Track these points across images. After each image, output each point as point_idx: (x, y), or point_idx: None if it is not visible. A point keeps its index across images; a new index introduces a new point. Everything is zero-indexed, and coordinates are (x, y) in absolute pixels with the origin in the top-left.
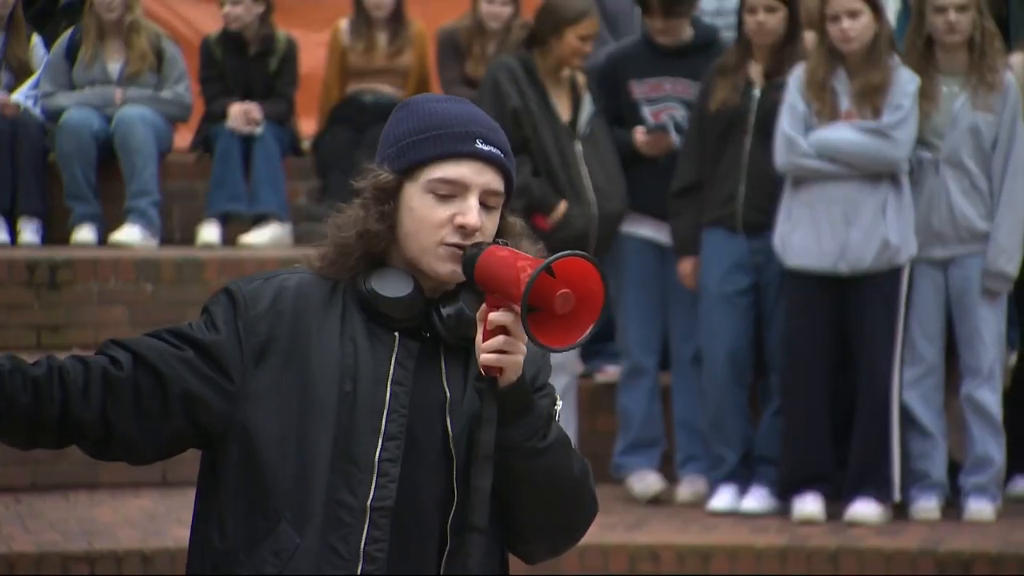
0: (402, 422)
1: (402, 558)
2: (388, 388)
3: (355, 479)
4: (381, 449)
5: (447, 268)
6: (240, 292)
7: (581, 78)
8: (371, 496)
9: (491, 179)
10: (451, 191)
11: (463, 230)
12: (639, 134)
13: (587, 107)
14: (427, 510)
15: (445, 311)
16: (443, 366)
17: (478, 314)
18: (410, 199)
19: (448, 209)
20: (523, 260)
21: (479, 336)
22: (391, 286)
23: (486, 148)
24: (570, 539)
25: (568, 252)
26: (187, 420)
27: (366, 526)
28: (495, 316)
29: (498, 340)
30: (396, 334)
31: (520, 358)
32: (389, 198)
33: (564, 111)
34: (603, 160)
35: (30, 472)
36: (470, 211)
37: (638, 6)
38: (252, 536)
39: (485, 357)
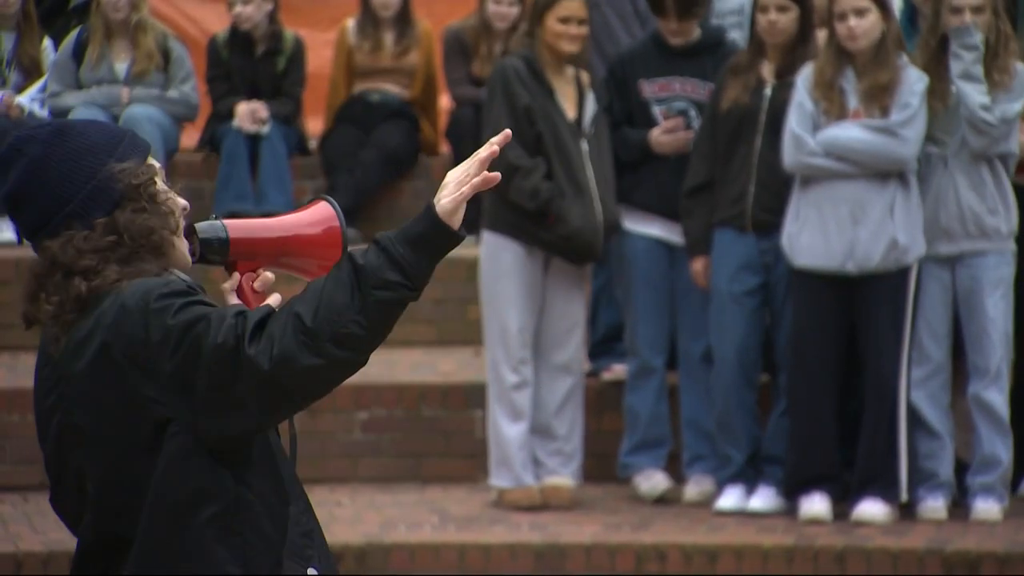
0: None
1: None
2: None
3: (285, 459)
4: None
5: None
6: (194, 284)
7: (586, 76)
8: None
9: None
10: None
11: (185, 212)
12: (657, 130)
13: (591, 105)
14: None
15: None
16: None
17: (229, 286)
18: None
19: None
20: (280, 224)
21: (235, 303)
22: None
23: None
24: None
25: (324, 197)
26: None
27: (306, 501)
28: (271, 275)
29: (277, 295)
30: None
31: None
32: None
33: (570, 109)
34: (604, 162)
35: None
36: (180, 195)
37: (650, 8)
38: (281, 522)
39: None
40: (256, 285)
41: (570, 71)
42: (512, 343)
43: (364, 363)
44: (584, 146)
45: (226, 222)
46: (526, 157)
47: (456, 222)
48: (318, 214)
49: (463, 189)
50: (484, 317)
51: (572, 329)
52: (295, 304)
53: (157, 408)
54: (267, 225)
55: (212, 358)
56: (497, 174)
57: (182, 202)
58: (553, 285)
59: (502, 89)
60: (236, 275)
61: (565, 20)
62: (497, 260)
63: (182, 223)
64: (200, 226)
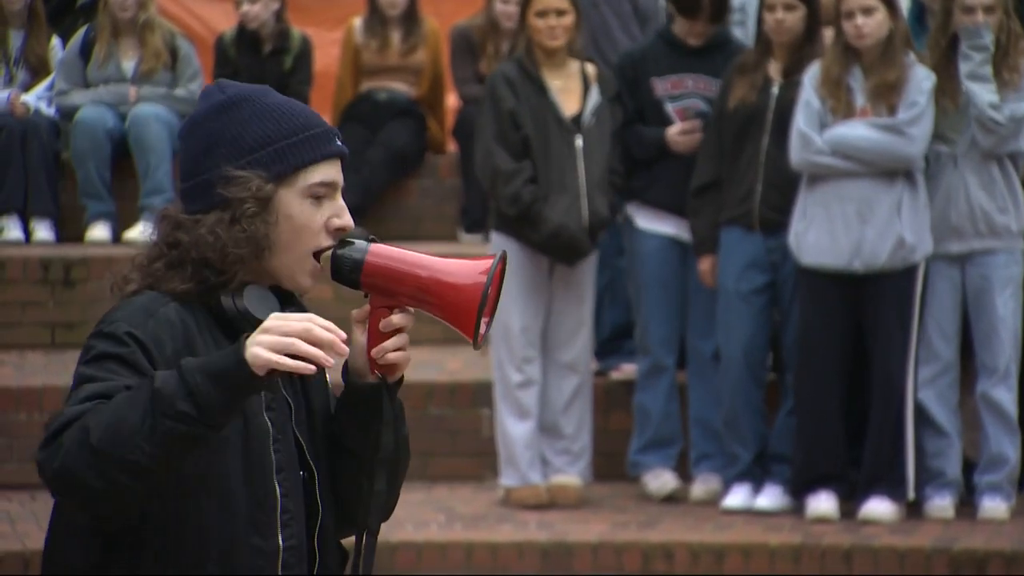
0: (286, 451)
1: None
2: (265, 416)
3: (261, 520)
4: (278, 484)
5: (310, 283)
6: (143, 336)
7: (591, 68)
8: (280, 536)
9: (342, 176)
10: (324, 193)
11: (340, 232)
12: (675, 129)
13: (593, 98)
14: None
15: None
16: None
17: (358, 315)
18: (288, 206)
19: (322, 213)
20: (429, 263)
21: (360, 337)
22: (261, 306)
23: (342, 145)
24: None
25: (500, 256)
26: None
27: (279, 567)
28: (398, 319)
29: (402, 339)
30: None
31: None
32: (270, 208)
33: (571, 104)
34: (599, 157)
35: None
36: (345, 212)
37: (676, 9)
38: None
39: (393, 356)
40: (381, 324)
41: (574, 65)
42: (515, 342)
43: (153, 491)
44: (579, 143)
45: (375, 246)
46: (511, 161)
47: (262, 370)
48: (474, 267)
49: (284, 360)
50: None
51: (578, 328)
52: (89, 415)
53: None
54: (414, 260)
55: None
56: (326, 359)
57: (338, 222)
58: (559, 284)
59: (489, 95)
60: (367, 307)
61: (542, 14)
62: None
63: (305, 244)
64: (348, 239)
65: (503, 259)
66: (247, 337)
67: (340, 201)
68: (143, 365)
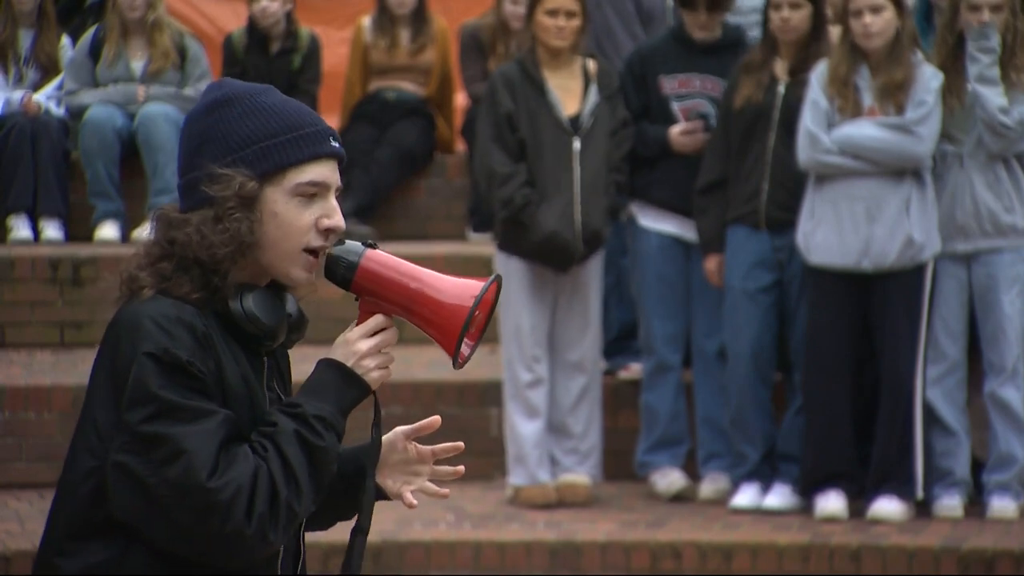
0: None
1: None
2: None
3: None
4: None
5: (305, 276)
6: (186, 357)
7: (593, 65)
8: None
9: (338, 176)
10: (315, 192)
11: (330, 233)
12: (676, 129)
13: (592, 97)
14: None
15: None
16: (274, 373)
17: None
18: (274, 204)
19: (312, 212)
20: (423, 276)
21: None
22: (268, 310)
23: (338, 146)
24: None
25: (492, 279)
26: None
27: (278, 567)
28: (382, 320)
29: (388, 336)
30: (266, 359)
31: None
32: (254, 206)
33: (571, 104)
34: (596, 161)
35: (54, 468)
36: (335, 212)
37: (675, 2)
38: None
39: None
40: (379, 320)
41: (577, 62)
42: (525, 341)
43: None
44: (576, 145)
45: (373, 251)
46: (508, 164)
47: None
48: (467, 288)
49: (390, 373)
50: (499, 315)
51: (585, 327)
52: (267, 483)
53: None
54: (408, 271)
55: (173, 489)
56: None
57: (327, 222)
58: (566, 283)
59: (488, 98)
60: (359, 315)
61: (552, 13)
62: (509, 258)
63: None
64: (346, 243)
65: (496, 283)
66: (331, 360)
67: (332, 202)
68: (212, 392)
